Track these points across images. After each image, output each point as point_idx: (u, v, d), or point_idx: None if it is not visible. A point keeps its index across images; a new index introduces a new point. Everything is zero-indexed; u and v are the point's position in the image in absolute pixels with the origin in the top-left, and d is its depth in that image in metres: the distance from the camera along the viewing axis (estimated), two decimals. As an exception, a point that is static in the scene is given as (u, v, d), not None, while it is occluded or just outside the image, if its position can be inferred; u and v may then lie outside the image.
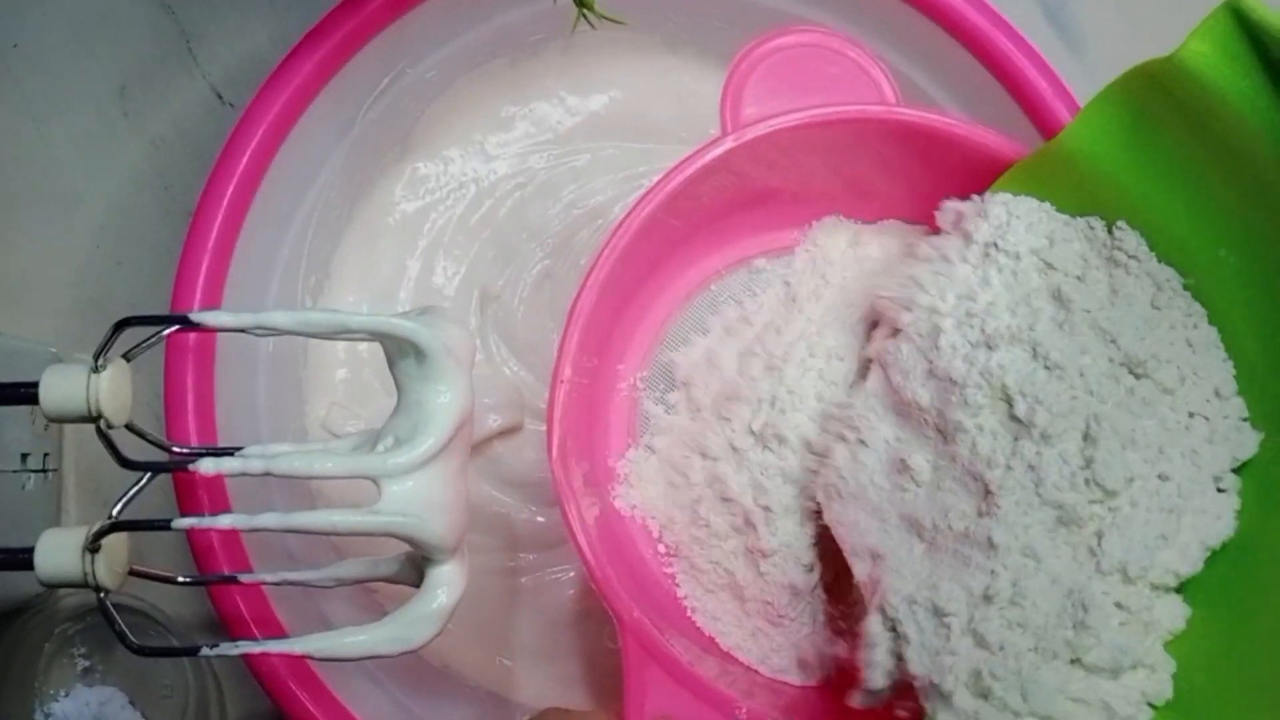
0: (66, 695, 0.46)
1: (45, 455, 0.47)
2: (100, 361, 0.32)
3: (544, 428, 0.47)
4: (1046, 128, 0.42)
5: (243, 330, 0.32)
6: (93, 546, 0.32)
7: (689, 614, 0.40)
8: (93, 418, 0.32)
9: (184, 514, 0.40)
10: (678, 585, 0.40)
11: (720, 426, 0.40)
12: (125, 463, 0.32)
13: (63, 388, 0.32)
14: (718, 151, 0.37)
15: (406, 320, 0.33)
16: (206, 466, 0.31)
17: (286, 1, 0.50)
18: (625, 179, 0.48)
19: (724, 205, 0.40)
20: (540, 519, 0.47)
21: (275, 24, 0.50)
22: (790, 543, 0.38)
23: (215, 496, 0.40)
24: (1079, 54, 0.52)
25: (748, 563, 0.39)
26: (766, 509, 0.39)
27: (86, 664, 0.46)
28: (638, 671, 0.36)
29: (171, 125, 0.50)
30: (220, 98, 0.50)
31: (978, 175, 0.37)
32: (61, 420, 0.33)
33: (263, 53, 0.50)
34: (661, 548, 0.41)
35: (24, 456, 0.46)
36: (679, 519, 0.40)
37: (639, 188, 0.48)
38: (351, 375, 0.47)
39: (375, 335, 0.33)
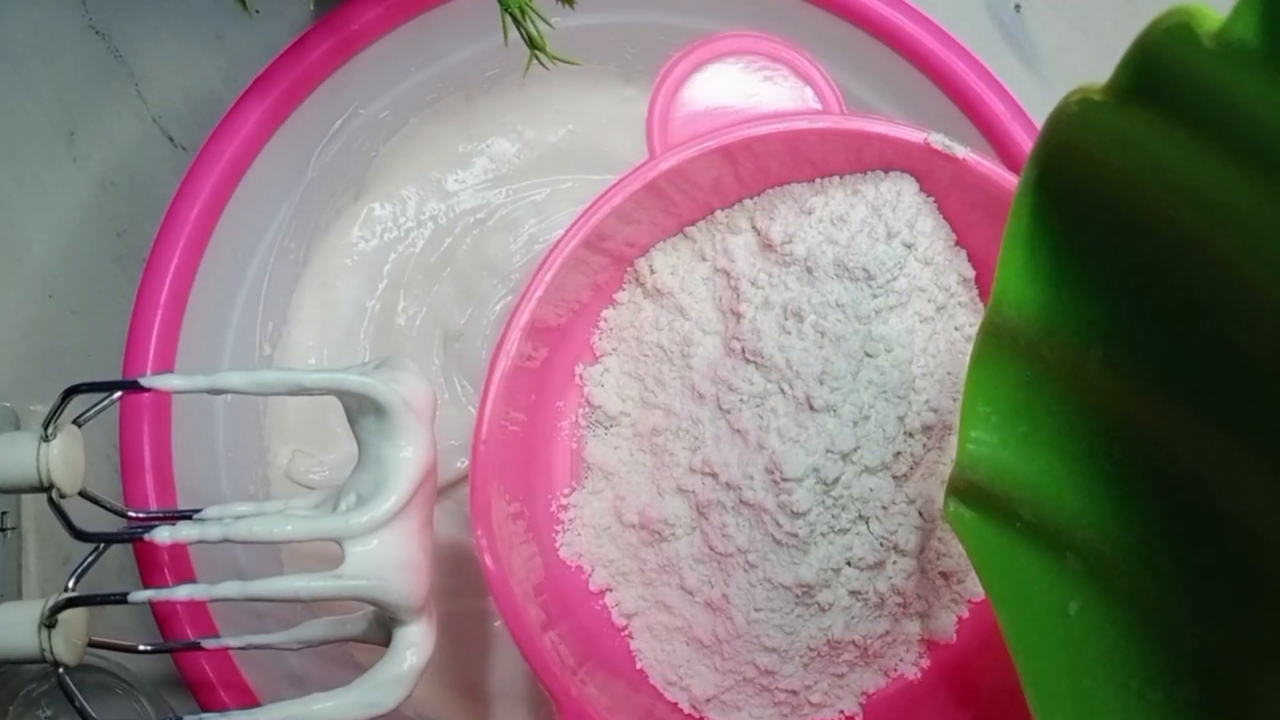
0: (31, 758, 0.45)
1: (3, 514, 0.46)
2: (50, 430, 0.31)
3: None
4: (1004, 148, 0.42)
5: (198, 391, 0.32)
6: (49, 621, 0.32)
7: (643, 671, 0.39)
8: (44, 487, 0.31)
9: (145, 581, 0.39)
10: (631, 638, 0.39)
11: (661, 465, 0.39)
12: (79, 534, 0.32)
13: (11, 458, 0.31)
14: (646, 178, 0.36)
15: (364, 376, 0.32)
16: (162, 536, 0.31)
17: (236, 38, 0.49)
18: (586, 211, 0.48)
19: (650, 229, 0.39)
20: (511, 559, 0.46)
21: (224, 61, 0.49)
22: (744, 588, 0.37)
23: (178, 561, 0.39)
24: (1035, 70, 0.52)
25: (707, 612, 0.38)
26: (721, 555, 0.38)
27: (50, 713, 0.45)
28: None
29: (121, 169, 0.49)
30: (171, 140, 0.49)
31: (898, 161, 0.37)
32: (12, 491, 0.32)
33: (213, 92, 0.49)
34: (611, 598, 0.40)
35: (-19, 516, 0.45)
36: (627, 568, 0.39)
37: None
38: (314, 420, 0.46)
39: (332, 391, 0.32)
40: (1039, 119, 0.44)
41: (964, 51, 0.43)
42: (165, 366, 0.40)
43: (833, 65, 0.45)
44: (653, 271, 0.40)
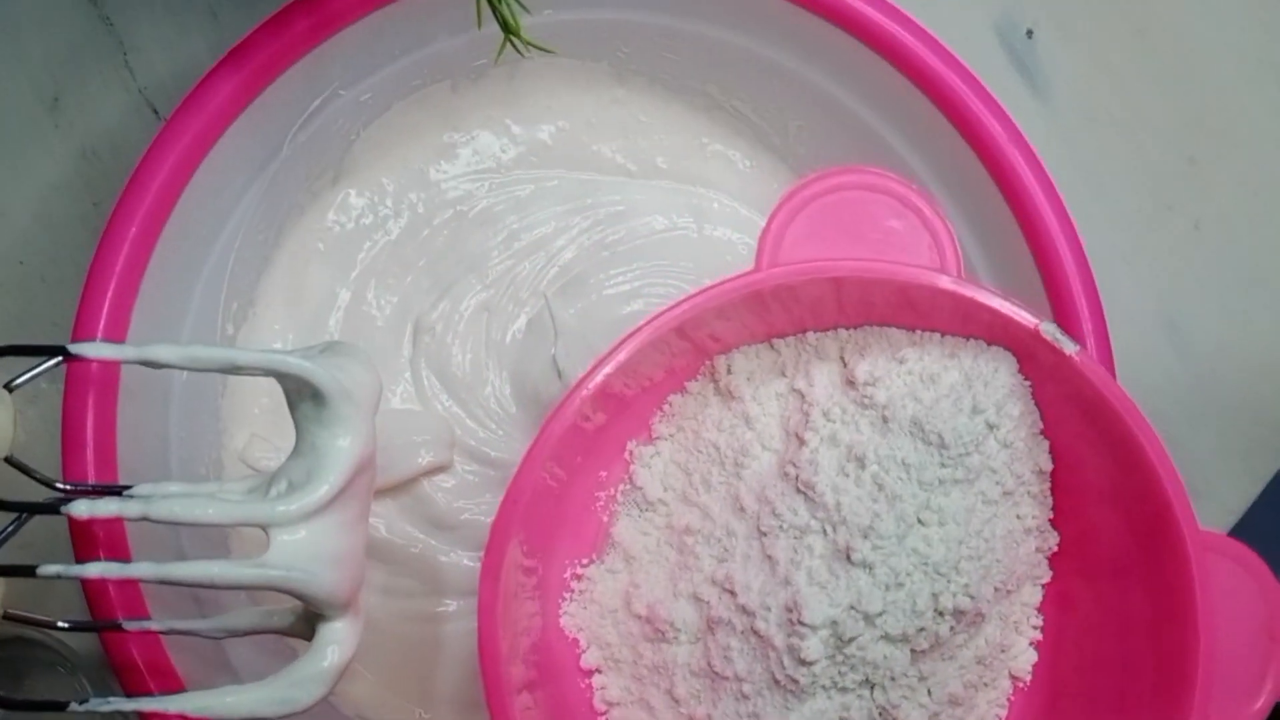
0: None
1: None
2: (-24, 392, 0.30)
3: (475, 468, 0.46)
4: (1000, 174, 0.41)
5: (128, 362, 0.31)
6: (-41, 590, 0.30)
7: None
8: (-35, 451, 0.30)
9: (78, 556, 0.38)
10: None
11: (683, 566, 0.38)
12: (-4, 502, 0.30)
13: (-66, 419, 0.30)
14: (749, 287, 0.36)
15: (304, 359, 0.31)
16: (79, 510, 0.29)
17: (228, 14, 0.48)
18: (569, 210, 0.47)
19: (739, 330, 0.39)
20: (468, 562, 0.45)
21: (215, 37, 0.48)
22: (729, 715, 0.36)
23: (113, 539, 0.38)
24: (1044, 99, 0.50)
25: None
26: (718, 675, 0.37)
27: None
28: None
29: (104, 138, 0.48)
30: (156, 113, 0.48)
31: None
32: (-67, 453, 0.31)
33: (202, 66, 0.47)
34: (598, 680, 0.38)
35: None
36: (622, 656, 0.38)
37: (584, 220, 0.47)
38: (274, 404, 0.45)
39: (269, 372, 0.31)
40: (1043, 146, 0.42)
41: (962, 68, 0.41)
42: (117, 338, 0.39)
43: (825, 76, 0.44)
44: (730, 372, 0.39)
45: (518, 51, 0.34)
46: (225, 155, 0.41)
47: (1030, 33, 0.51)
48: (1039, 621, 0.39)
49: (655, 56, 0.46)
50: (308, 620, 0.33)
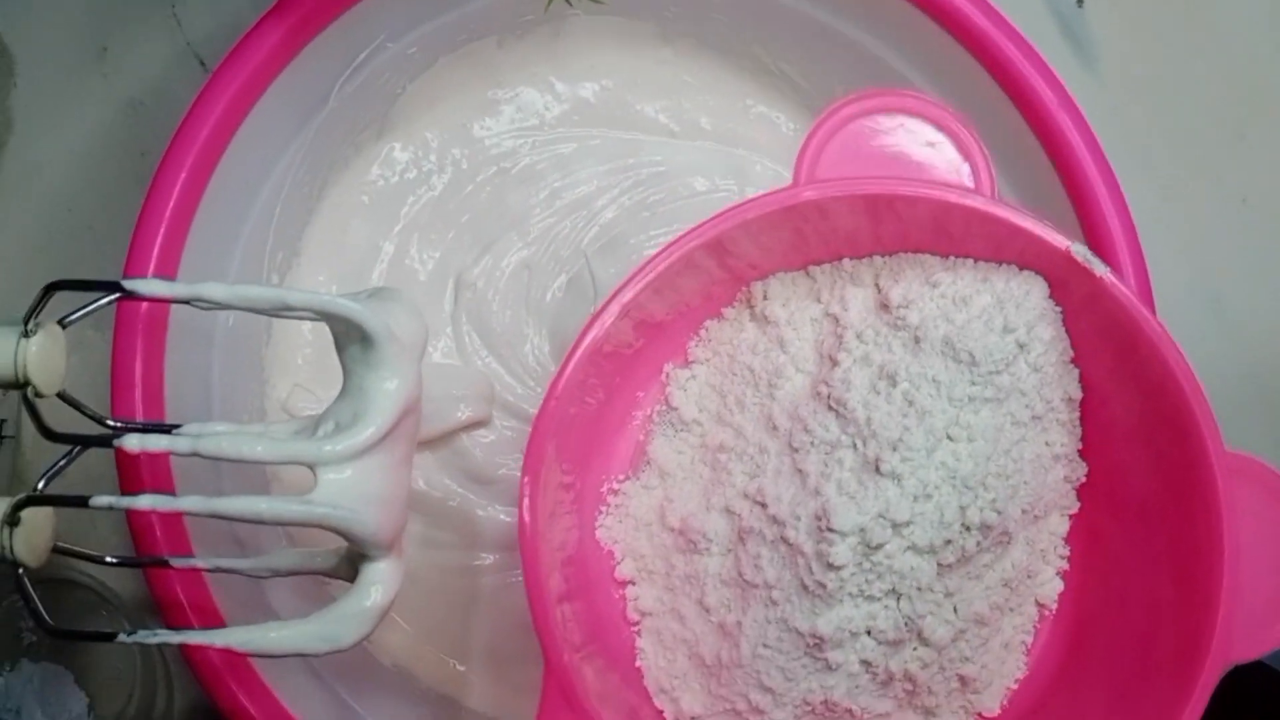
0: (11, 669, 0.45)
1: (2, 421, 0.46)
2: (30, 325, 0.31)
3: (513, 424, 0.46)
4: (1049, 138, 0.41)
5: (179, 301, 0.31)
6: (11, 519, 0.31)
7: (641, 670, 0.38)
8: (19, 384, 0.31)
9: (124, 491, 0.38)
10: (638, 635, 0.39)
11: (716, 481, 0.38)
12: (49, 434, 0.31)
13: (-11, 351, 0.31)
14: (785, 202, 0.35)
15: (353, 301, 0.31)
16: (131, 443, 0.30)
17: (276, -32, 0.49)
18: (611, 170, 0.47)
19: (777, 258, 0.39)
20: (505, 518, 0.46)
21: (264, -8, 0.49)
22: (759, 622, 0.37)
23: (157, 476, 0.38)
24: (1093, 70, 0.50)
25: (717, 633, 0.37)
26: (747, 583, 0.37)
27: (34, 638, 0.45)
28: (550, 716, 0.34)
29: (150, 89, 0.49)
30: (203, 64, 0.49)
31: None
32: (-12, 385, 0.31)
33: (247, 19, 0.48)
34: (631, 591, 0.39)
35: (-22, 421, 0.45)
36: (655, 568, 0.39)
37: (626, 179, 0.47)
38: (317, 356, 0.46)
39: (319, 314, 0.31)
40: (1092, 116, 0.42)
41: (1014, 33, 0.41)
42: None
43: (874, 37, 0.44)
44: (765, 298, 0.39)
45: (567, 3, 0.34)
46: (272, 105, 0.41)
47: (1081, 2, 0.50)
48: (1066, 552, 0.39)
49: (702, 17, 0.46)
50: (350, 561, 0.34)
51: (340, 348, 0.32)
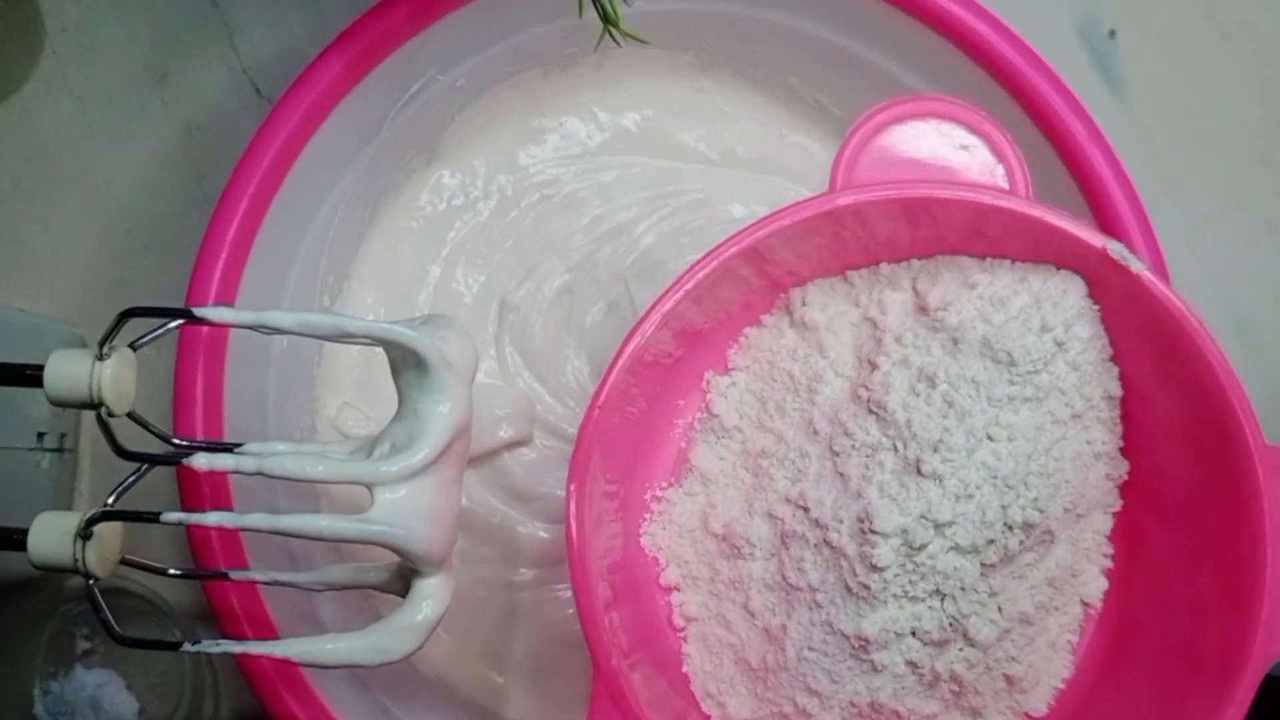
0: (65, 675, 0.46)
1: (62, 435, 0.47)
2: (105, 349, 0.32)
3: (554, 443, 0.47)
4: (1079, 170, 0.41)
5: (245, 327, 0.32)
6: (84, 533, 0.33)
7: (688, 675, 0.39)
8: (94, 404, 0.32)
9: (185, 507, 0.40)
10: (684, 641, 0.39)
11: (758, 487, 0.39)
12: (122, 452, 0.32)
13: (66, 373, 0.32)
14: (822, 208, 0.36)
15: (408, 329, 0.33)
16: (200, 462, 0.31)
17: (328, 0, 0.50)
18: (652, 197, 0.48)
19: (815, 264, 0.39)
20: (544, 534, 0.47)
21: (316, 21, 0.50)
22: (804, 625, 0.37)
23: (217, 492, 0.40)
24: (1123, 99, 0.51)
25: (763, 638, 0.38)
26: (792, 587, 0.37)
27: (87, 645, 0.46)
28: None
29: (208, 114, 0.50)
30: (258, 92, 0.50)
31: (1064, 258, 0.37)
32: (64, 405, 0.33)
33: (304, 49, 0.50)
34: (676, 597, 0.40)
35: (40, 435, 0.46)
36: (699, 573, 0.39)
37: (665, 206, 0.48)
38: (365, 375, 0.47)
39: (377, 341, 0.33)
40: (1121, 144, 0.43)
41: (1044, 66, 0.42)
42: (225, 303, 0.41)
43: (907, 69, 0.45)
44: (804, 304, 0.40)
45: (614, 41, 0.35)
46: (329, 135, 0.43)
47: (1113, 33, 0.51)
48: (1110, 550, 0.39)
49: (739, 48, 0.47)
50: (401, 576, 0.35)
51: (396, 372, 0.34)
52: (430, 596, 0.33)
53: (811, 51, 0.46)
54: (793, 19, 0.45)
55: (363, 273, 0.47)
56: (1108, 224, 0.42)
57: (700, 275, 0.36)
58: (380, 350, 0.47)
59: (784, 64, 0.47)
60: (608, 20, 0.34)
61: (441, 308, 0.48)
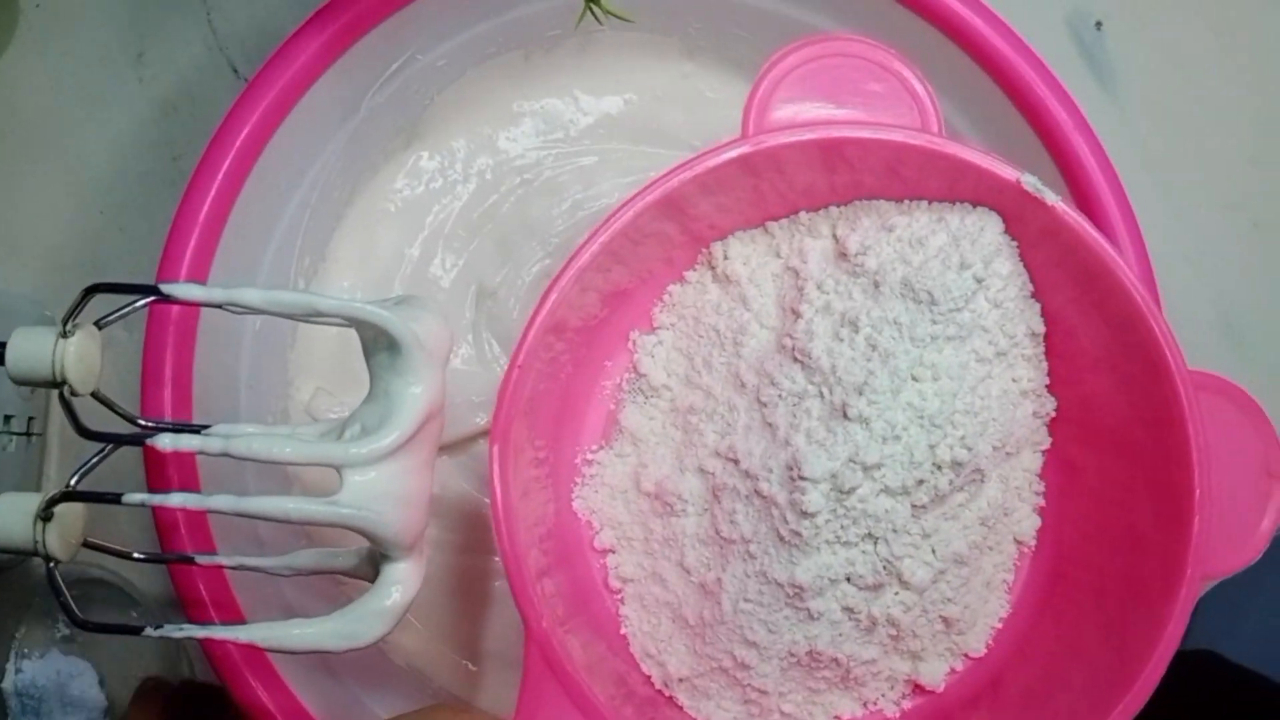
0: (41, 657, 0.46)
1: (30, 419, 0.47)
2: (68, 326, 0.32)
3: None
4: (1064, 159, 0.41)
5: (215, 305, 0.32)
6: (45, 515, 0.32)
7: (626, 637, 0.39)
8: (56, 383, 0.32)
9: (152, 489, 0.39)
10: (621, 603, 0.39)
11: (688, 443, 0.39)
12: (84, 432, 0.32)
13: (28, 350, 0.32)
14: (734, 153, 0.35)
15: (380, 308, 0.32)
16: (165, 442, 0.31)
17: (309, -21, 0.50)
18: (633, 183, 0.47)
19: (735, 217, 0.39)
20: (519, 522, 0.46)
21: (297, 2, 0.49)
22: (738, 577, 0.37)
23: (184, 474, 0.39)
24: (1111, 91, 0.50)
25: (699, 593, 0.38)
26: (725, 540, 0.37)
27: (67, 632, 0.46)
28: (534, 686, 0.35)
29: (184, 94, 0.50)
30: (235, 71, 0.50)
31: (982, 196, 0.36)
32: (26, 383, 0.32)
33: (281, 27, 0.49)
34: (611, 560, 0.40)
35: (7, 418, 0.45)
36: (634, 534, 0.39)
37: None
38: (340, 360, 0.46)
39: (348, 320, 0.32)
40: (1108, 138, 0.43)
41: (1032, 56, 0.42)
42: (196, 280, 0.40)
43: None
44: (726, 257, 0.40)
45: (596, 20, 0.35)
46: (306, 114, 0.42)
47: (1100, 25, 0.51)
48: (1041, 488, 0.39)
49: (724, 33, 0.47)
50: (371, 561, 0.34)
51: (368, 353, 0.33)
52: (399, 581, 0.33)
53: (797, 36, 0.46)
54: (779, 5, 0.45)
55: (339, 255, 0.47)
56: (1092, 213, 0.42)
57: (616, 226, 0.36)
58: (356, 335, 0.46)
59: (769, 49, 0.47)
60: (589, -1, 0.34)
61: (419, 292, 0.47)
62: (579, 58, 0.47)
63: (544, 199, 0.47)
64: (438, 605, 0.45)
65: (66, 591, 0.32)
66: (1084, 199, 0.42)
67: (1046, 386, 0.38)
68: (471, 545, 0.46)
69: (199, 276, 0.40)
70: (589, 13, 0.35)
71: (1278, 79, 0.51)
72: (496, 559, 0.46)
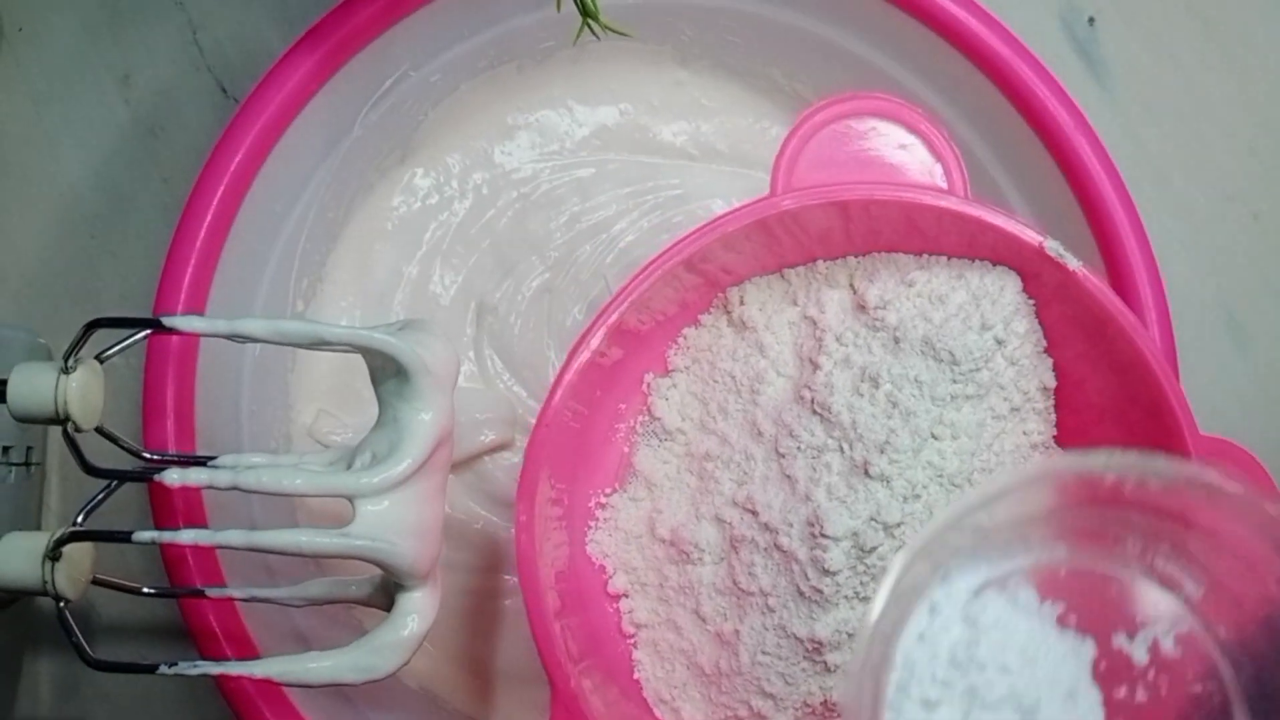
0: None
1: (29, 449, 0.46)
2: (70, 362, 0.31)
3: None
4: (1064, 158, 0.41)
5: (218, 336, 0.31)
6: (53, 554, 0.31)
7: (639, 682, 0.39)
8: (60, 420, 0.31)
9: (158, 524, 0.39)
10: (635, 648, 0.39)
11: (704, 490, 0.38)
12: (90, 469, 0.31)
13: (30, 387, 0.31)
14: (759, 216, 0.36)
15: (388, 335, 0.32)
16: (172, 478, 0.30)
17: (297, -2, 0.49)
18: (631, 194, 0.47)
19: (750, 262, 0.39)
20: (527, 539, 0.46)
21: (284, 19, 0.49)
22: (756, 629, 0.37)
23: (191, 506, 0.39)
24: (1106, 87, 0.50)
25: (715, 643, 0.38)
26: (743, 591, 0.37)
27: None
28: None
29: (173, 117, 0.49)
30: (224, 91, 0.49)
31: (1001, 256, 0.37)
32: (28, 420, 0.32)
33: (270, 48, 0.49)
34: (625, 604, 0.39)
35: (6, 449, 0.45)
36: (648, 579, 0.39)
37: (644, 203, 0.47)
38: (341, 382, 0.46)
39: (355, 348, 0.32)
40: (1105, 133, 0.43)
41: (1029, 55, 0.42)
42: (196, 311, 0.39)
43: (887, 59, 0.44)
44: (742, 303, 0.40)
45: (594, 34, 0.34)
46: (300, 134, 0.42)
47: (1092, 20, 0.51)
48: None
49: (718, 40, 0.46)
50: (385, 590, 0.34)
51: (376, 380, 0.33)
52: (415, 611, 0.32)
53: (792, 43, 0.46)
54: (772, 10, 0.45)
55: (336, 276, 0.46)
56: (1095, 213, 0.42)
57: (645, 285, 0.36)
58: (357, 355, 0.46)
59: (765, 56, 0.47)
60: (586, 13, 0.33)
61: (418, 310, 0.46)
62: (572, 68, 0.47)
63: (542, 212, 0.47)
64: (449, 626, 0.45)
65: (78, 631, 0.32)
66: (1086, 197, 0.42)
67: (1054, 438, 0.39)
68: (480, 564, 0.46)
69: (197, 304, 0.40)
70: (586, 28, 0.34)
71: (1273, 69, 0.51)
72: (506, 577, 0.46)
